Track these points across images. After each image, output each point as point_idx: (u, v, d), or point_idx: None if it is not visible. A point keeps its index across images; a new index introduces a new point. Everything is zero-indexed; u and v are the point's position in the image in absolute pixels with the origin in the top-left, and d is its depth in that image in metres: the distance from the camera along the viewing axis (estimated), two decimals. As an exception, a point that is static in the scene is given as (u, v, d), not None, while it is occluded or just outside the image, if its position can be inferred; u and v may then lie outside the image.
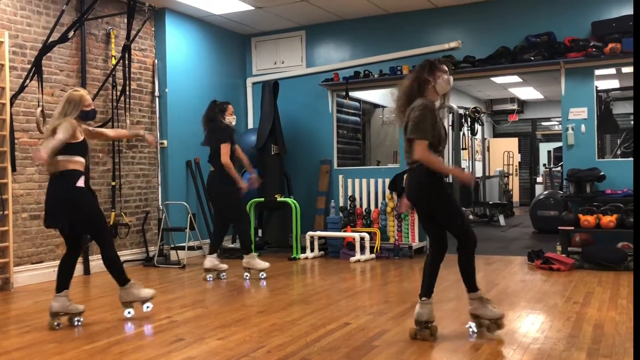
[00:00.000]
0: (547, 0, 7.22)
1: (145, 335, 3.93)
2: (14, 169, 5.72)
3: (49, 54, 6.03)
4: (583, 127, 6.96)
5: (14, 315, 4.69)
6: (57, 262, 6.12)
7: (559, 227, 6.54)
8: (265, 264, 6.00)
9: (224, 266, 6.10)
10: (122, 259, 6.72)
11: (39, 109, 5.79)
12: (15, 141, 5.78)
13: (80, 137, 4.26)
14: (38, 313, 4.64)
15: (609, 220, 6.21)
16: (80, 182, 4.21)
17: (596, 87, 7.10)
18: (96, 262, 6.59)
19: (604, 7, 6.89)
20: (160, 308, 4.77)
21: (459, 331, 3.91)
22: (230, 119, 5.93)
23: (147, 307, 4.45)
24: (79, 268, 6.38)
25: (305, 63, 8.56)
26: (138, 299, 4.40)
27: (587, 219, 6.30)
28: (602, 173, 6.65)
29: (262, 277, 5.98)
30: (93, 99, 6.53)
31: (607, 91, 8.32)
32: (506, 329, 3.96)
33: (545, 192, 10.79)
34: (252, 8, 7.55)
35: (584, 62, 6.85)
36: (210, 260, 6.00)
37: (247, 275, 6.03)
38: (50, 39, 5.86)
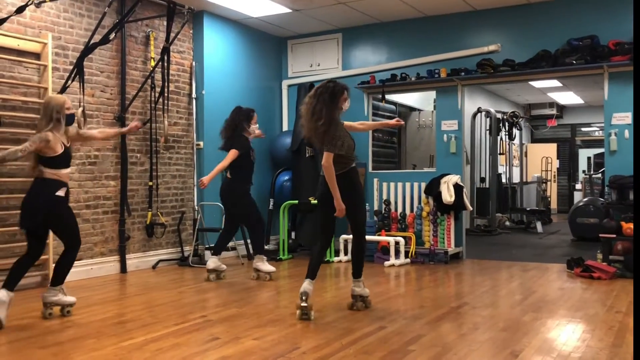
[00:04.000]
0: (591, 2, 7.07)
1: (181, 334, 3.95)
2: (55, 168, 5.83)
3: (90, 56, 6.13)
4: (627, 133, 6.78)
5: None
6: (95, 260, 6.31)
7: (600, 235, 6.37)
8: (223, 266, 6.16)
9: (223, 267, 6.17)
10: (157, 257, 6.92)
11: (80, 109, 5.89)
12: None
13: (60, 150, 4.33)
14: (78, 309, 4.70)
15: (653, 228, 6.02)
16: (60, 192, 4.34)
17: (641, 91, 6.90)
18: (132, 260, 6.70)
19: (650, 9, 6.70)
20: (195, 307, 4.80)
21: (496, 338, 3.83)
22: (255, 127, 6.01)
23: (68, 311, 4.56)
24: (115, 266, 6.51)
25: (342, 65, 8.54)
26: (59, 303, 4.48)
27: (630, 227, 6.12)
28: (646, 180, 6.46)
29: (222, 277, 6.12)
30: (132, 100, 6.67)
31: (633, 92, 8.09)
32: (545, 336, 3.89)
33: (585, 199, 10.55)
34: (290, 11, 7.57)
35: (629, 65, 6.65)
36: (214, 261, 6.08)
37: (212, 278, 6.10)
38: (92, 41, 5.96)
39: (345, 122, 4.79)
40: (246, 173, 5.98)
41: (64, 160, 4.38)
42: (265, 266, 6.04)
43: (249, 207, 6.06)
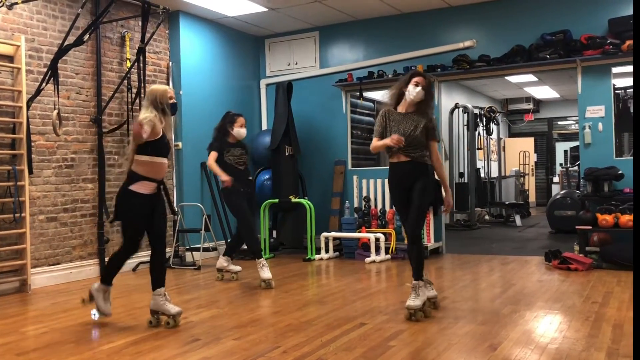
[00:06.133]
0: (562, -3, 7.17)
1: (161, 336, 3.94)
2: (30, 172, 5.77)
3: (64, 57, 6.08)
4: (600, 126, 6.88)
5: (31, 316, 4.73)
6: (74, 264, 6.25)
7: (577, 227, 6.46)
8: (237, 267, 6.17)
9: (236, 268, 6.16)
10: (138, 260, 6.85)
11: (55, 111, 5.83)
12: (32, 144, 5.83)
13: (158, 134, 4.11)
14: (56, 314, 4.67)
15: (627, 219, 6.12)
16: (136, 187, 4.11)
17: (614, 85, 7.02)
18: (112, 263, 6.64)
19: (621, 3, 6.81)
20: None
21: (476, 331, 3.88)
22: (238, 131, 5.91)
23: (94, 315, 4.35)
24: (95, 270, 6.46)
25: (319, 64, 8.56)
26: (161, 310, 4.17)
27: (605, 218, 6.22)
28: (620, 172, 6.57)
29: (234, 278, 6.10)
30: (108, 102, 6.62)
31: (624, 89, 8.22)
32: (524, 328, 3.94)
33: (562, 192, 10.69)
34: (266, 9, 7.56)
35: (601, 59, 6.77)
36: (220, 262, 6.16)
37: (218, 277, 6.15)
38: (66, 43, 5.90)
39: None
40: (229, 174, 5.95)
41: (157, 147, 4.11)
42: (231, 265, 6.14)
43: (230, 207, 6.04)
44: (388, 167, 4.51)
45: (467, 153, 11.98)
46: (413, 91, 4.31)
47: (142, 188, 4.11)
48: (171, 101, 4.22)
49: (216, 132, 5.99)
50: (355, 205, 7.92)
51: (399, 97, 4.41)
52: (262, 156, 8.28)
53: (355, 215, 7.78)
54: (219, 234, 7.66)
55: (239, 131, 5.91)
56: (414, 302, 4.18)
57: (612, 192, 6.59)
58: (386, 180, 7.64)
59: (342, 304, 4.81)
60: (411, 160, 4.32)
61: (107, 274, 4.37)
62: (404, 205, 4.37)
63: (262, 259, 5.73)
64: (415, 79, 4.34)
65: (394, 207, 4.58)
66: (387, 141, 4.26)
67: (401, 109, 4.41)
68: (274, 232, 8.24)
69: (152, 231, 4.25)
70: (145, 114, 4.07)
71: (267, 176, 8.22)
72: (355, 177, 8.04)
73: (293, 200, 7.68)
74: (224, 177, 5.72)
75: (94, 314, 4.34)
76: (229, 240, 6.37)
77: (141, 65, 6.57)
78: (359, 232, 7.52)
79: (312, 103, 8.55)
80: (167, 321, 4.14)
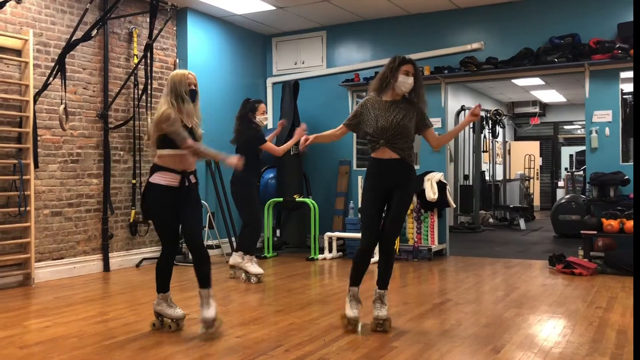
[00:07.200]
0: (572, 1, 7.13)
1: (163, 332, 3.94)
2: (36, 166, 5.78)
3: (72, 52, 6.08)
4: (607, 130, 6.85)
5: (34, 310, 4.73)
6: (77, 259, 6.26)
7: (581, 232, 6.44)
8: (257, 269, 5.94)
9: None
10: (141, 256, 6.86)
11: (62, 106, 5.84)
12: (38, 138, 5.84)
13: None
14: (59, 308, 4.68)
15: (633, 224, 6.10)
16: (154, 178, 3.88)
17: (622, 89, 6.99)
18: (115, 259, 6.66)
19: (631, 8, 6.78)
20: (178, 305, 4.77)
21: (479, 334, 3.86)
22: (261, 118, 5.91)
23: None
24: (98, 265, 6.47)
25: (326, 63, 8.55)
26: (164, 315, 4.00)
27: (611, 223, 6.20)
28: (626, 177, 6.55)
29: (251, 280, 5.86)
30: (115, 98, 6.63)
31: (632, 94, 8.18)
32: (527, 332, 3.92)
33: (567, 196, 10.66)
34: (274, 8, 7.56)
35: (610, 64, 6.74)
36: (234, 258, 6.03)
37: (231, 274, 6.05)
38: (74, 38, 5.91)
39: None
40: (253, 165, 5.86)
41: (170, 139, 3.82)
42: (254, 268, 5.87)
43: (245, 198, 5.92)
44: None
45: (473, 155, 11.96)
46: (405, 82, 3.93)
47: (160, 179, 3.87)
48: (190, 88, 3.94)
49: (239, 121, 5.90)
50: (360, 205, 7.90)
51: (385, 85, 4.00)
52: (268, 155, 8.24)
53: (359, 216, 7.76)
54: (222, 231, 7.65)
55: (262, 119, 5.91)
56: (381, 311, 3.97)
57: (618, 197, 6.57)
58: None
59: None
60: (399, 159, 3.93)
61: (160, 282, 4.07)
62: (377, 210, 3.97)
63: (254, 255, 5.87)
64: (404, 68, 3.93)
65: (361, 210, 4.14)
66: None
67: (387, 97, 4.01)
68: (278, 231, 8.25)
69: (177, 228, 4.05)
70: (163, 107, 3.87)
71: (271, 175, 8.21)
72: (360, 177, 8.03)
73: (297, 199, 7.67)
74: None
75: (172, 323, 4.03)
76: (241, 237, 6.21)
77: (148, 61, 6.58)
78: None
79: (318, 102, 8.54)
80: (169, 324, 3.99)
